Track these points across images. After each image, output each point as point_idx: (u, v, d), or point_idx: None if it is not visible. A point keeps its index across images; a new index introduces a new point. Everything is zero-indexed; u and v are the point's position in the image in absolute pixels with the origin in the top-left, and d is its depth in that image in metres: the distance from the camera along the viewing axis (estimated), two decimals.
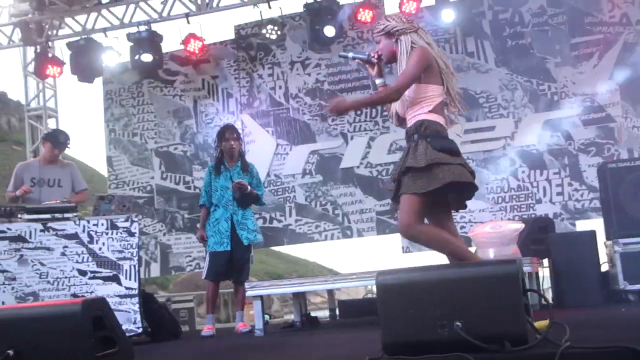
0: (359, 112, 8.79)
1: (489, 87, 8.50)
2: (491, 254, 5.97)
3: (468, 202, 4.18)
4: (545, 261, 6.73)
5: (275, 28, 8.95)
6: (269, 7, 8.96)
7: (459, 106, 4.17)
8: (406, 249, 8.55)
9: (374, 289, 9.94)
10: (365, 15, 8.48)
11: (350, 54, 4.46)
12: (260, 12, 9.00)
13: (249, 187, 6.46)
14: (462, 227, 8.14)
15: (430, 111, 4.04)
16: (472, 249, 6.04)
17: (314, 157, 8.97)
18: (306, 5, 8.66)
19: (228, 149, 6.58)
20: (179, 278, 29.50)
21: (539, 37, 8.39)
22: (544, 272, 6.74)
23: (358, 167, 8.83)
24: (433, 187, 3.84)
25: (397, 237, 8.66)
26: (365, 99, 4.28)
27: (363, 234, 8.80)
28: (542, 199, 8.18)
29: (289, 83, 9.16)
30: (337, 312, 8.14)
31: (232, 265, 6.48)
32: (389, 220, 8.65)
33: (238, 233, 6.45)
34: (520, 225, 6.17)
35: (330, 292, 8.38)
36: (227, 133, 6.63)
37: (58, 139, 6.99)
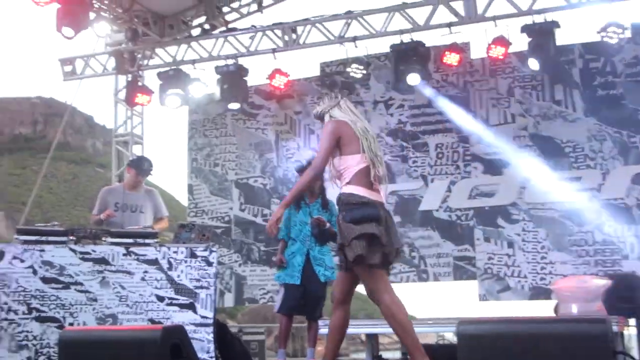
0: (440, 155, 8.74)
1: (575, 136, 8.34)
2: (574, 309, 5.77)
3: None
4: (632, 320, 6.46)
5: (360, 67, 8.99)
6: (355, 45, 9.02)
7: (379, 170, 4.15)
8: (483, 296, 8.40)
9: (447, 335, 9.74)
10: (451, 59, 8.46)
11: None
12: (346, 50, 9.08)
13: (328, 224, 6.43)
14: (542, 279, 7.96)
15: (347, 183, 4.12)
16: (554, 302, 5.89)
17: (393, 198, 8.92)
18: (392, 46, 8.70)
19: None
20: (247, 308, 29.70)
21: (631, 88, 8.20)
22: (630, 332, 6.47)
23: (437, 210, 8.75)
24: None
25: (474, 283, 8.52)
26: (290, 193, 4.23)
27: (439, 278, 8.68)
28: (630, 255, 7.91)
29: (371, 122, 9.12)
30: (409, 356, 7.98)
31: (305, 300, 6.44)
32: (467, 266, 8.53)
33: (315, 269, 6.38)
34: (606, 282, 5.96)
35: None
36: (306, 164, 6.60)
37: (142, 166, 7.14)
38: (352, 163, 4.11)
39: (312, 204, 6.53)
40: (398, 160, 8.99)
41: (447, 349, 7.45)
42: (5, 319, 5.86)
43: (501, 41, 8.27)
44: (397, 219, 8.78)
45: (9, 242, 6.29)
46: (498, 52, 8.26)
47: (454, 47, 8.47)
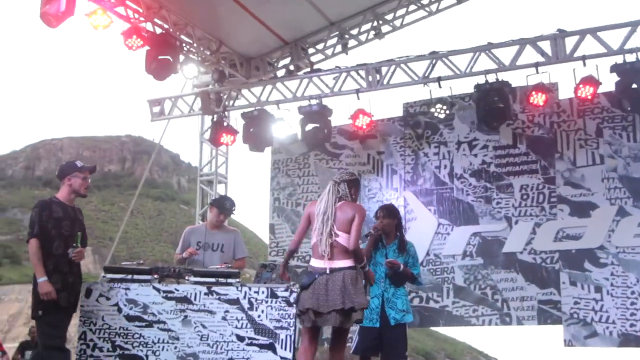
0: (525, 197, 8.56)
1: None
2: None
3: None
4: None
5: (444, 107, 8.92)
6: (439, 86, 8.95)
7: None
8: (569, 342, 8.11)
9: None
10: (538, 99, 8.29)
11: None
12: (430, 90, 9.01)
13: (402, 267, 6.34)
14: (632, 325, 7.81)
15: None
16: None
17: (476, 239, 8.77)
18: (477, 86, 8.60)
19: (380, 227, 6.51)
20: (325, 347, 29.50)
21: None
22: None
23: (521, 252, 8.52)
24: None
25: (559, 328, 8.24)
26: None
27: (523, 322, 8.43)
28: None
29: (455, 163, 9.07)
30: None
31: (381, 342, 6.36)
32: (552, 310, 8.26)
33: (386, 311, 6.31)
34: None
35: None
36: (379, 212, 6.58)
37: (224, 205, 7.26)
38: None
39: (389, 245, 6.48)
40: (482, 201, 8.83)
41: None
42: (91, 356, 5.99)
43: (590, 81, 8.05)
44: (479, 260, 8.66)
45: (95, 278, 6.47)
46: (587, 92, 8.05)
47: (540, 87, 8.31)
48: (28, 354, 11.41)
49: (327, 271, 5.29)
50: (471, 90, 8.75)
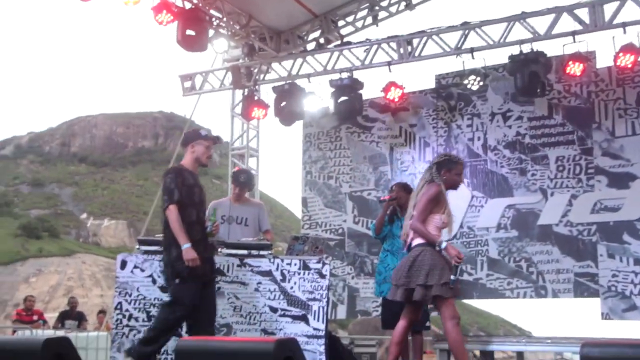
0: (561, 168, 8.44)
1: None
2: None
3: None
4: None
5: (478, 79, 8.78)
6: (472, 57, 8.80)
7: None
8: (606, 315, 8.01)
9: (566, 355, 9.32)
10: (575, 68, 8.12)
11: None
12: (463, 62, 8.86)
13: None
14: None
15: None
16: None
17: (510, 212, 8.67)
18: (511, 57, 8.44)
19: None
20: (358, 319, 29.70)
21: None
22: None
23: (557, 224, 8.41)
24: None
25: (596, 301, 8.14)
26: None
27: (559, 295, 8.34)
28: None
29: (488, 135, 8.96)
30: None
31: None
32: (588, 282, 8.16)
33: None
34: None
35: (520, 354, 7.99)
36: (393, 186, 6.81)
37: (239, 179, 7.25)
38: None
39: (404, 216, 6.51)
40: (516, 173, 8.71)
41: None
42: (127, 326, 6.07)
43: (630, 49, 7.84)
44: (514, 233, 8.57)
45: (131, 251, 6.52)
46: (627, 60, 7.84)
47: (577, 57, 8.13)
48: (68, 323, 11.61)
49: (405, 250, 5.52)
50: (505, 61, 8.59)
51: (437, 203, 5.29)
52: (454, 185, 5.53)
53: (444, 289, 5.13)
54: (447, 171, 5.43)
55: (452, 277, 5.15)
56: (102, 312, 13.94)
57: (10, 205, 57.92)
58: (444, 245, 5.21)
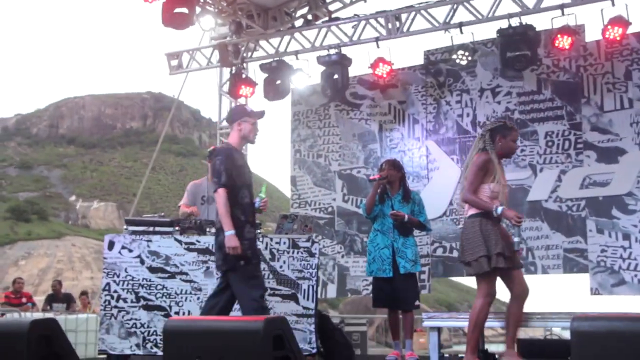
0: (550, 144, 8.41)
1: None
2: None
3: None
4: None
5: (466, 54, 8.72)
6: (461, 32, 8.75)
7: None
8: (595, 290, 8.02)
9: (555, 330, 9.31)
10: (564, 42, 8.08)
11: None
12: (452, 37, 8.80)
13: (406, 217, 6.40)
14: None
15: None
16: None
17: None
18: (499, 31, 8.39)
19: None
20: (349, 298, 29.84)
21: None
22: None
23: (546, 200, 8.40)
24: None
25: (586, 277, 8.16)
26: None
27: (548, 271, 8.34)
28: None
29: (478, 111, 8.91)
30: (516, 349, 7.73)
31: (396, 292, 6.40)
32: (578, 258, 8.16)
33: (397, 261, 6.39)
34: None
35: None
36: (383, 164, 6.67)
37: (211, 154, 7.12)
38: None
39: (394, 196, 6.55)
40: None
41: (556, 344, 7.16)
42: (115, 307, 6.04)
43: (619, 21, 7.81)
44: None
45: (119, 233, 6.46)
46: (615, 33, 7.81)
47: (566, 30, 8.08)
48: (55, 306, 11.57)
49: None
50: (494, 35, 8.54)
51: (486, 172, 5.06)
52: (509, 153, 5.29)
53: (483, 263, 4.91)
54: (502, 137, 5.14)
55: (515, 239, 5.00)
56: (84, 294, 13.90)
57: None
58: (500, 210, 4.96)
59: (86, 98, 73.19)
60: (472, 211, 5.07)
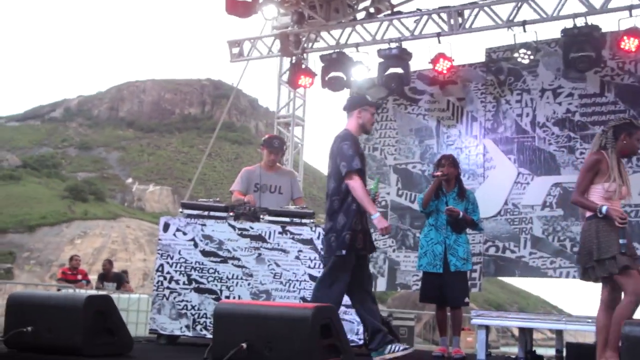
0: None
1: None
2: None
3: None
4: None
5: (529, 52, 8.58)
6: (524, 30, 8.61)
7: None
8: None
9: None
10: (630, 44, 7.88)
11: None
12: (514, 35, 8.68)
13: (461, 214, 6.42)
14: None
15: None
16: None
17: (557, 190, 8.50)
18: (564, 31, 8.24)
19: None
20: (398, 293, 29.72)
21: None
22: None
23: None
24: None
25: None
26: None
27: None
28: None
29: (538, 111, 8.77)
30: (565, 353, 7.62)
31: (445, 289, 6.42)
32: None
33: (448, 257, 6.42)
34: None
35: (560, 332, 7.89)
36: (443, 160, 6.65)
37: (273, 144, 7.19)
38: None
39: (449, 192, 6.59)
40: (564, 151, 8.54)
41: None
42: (168, 288, 6.16)
43: None
44: (559, 212, 8.42)
45: (174, 216, 6.58)
46: None
47: (633, 32, 7.88)
48: (107, 285, 11.84)
49: None
50: (558, 35, 8.39)
51: (596, 172, 4.94)
52: (632, 152, 5.12)
53: (611, 264, 4.75)
54: (627, 135, 4.99)
55: (620, 241, 4.74)
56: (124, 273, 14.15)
57: (58, 167, 59.09)
58: (604, 209, 4.81)
59: (147, 82, 74.40)
60: (588, 213, 4.98)
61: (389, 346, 4.98)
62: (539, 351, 7.41)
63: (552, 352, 7.98)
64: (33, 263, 37.90)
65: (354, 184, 5.00)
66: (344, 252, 4.98)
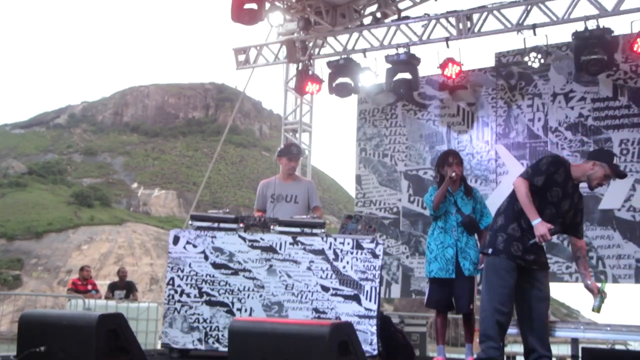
0: (624, 152, 8.14)
1: None
2: None
3: None
4: None
5: (539, 56, 8.48)
6: (534, 34, 8.52)
7: None
8: None
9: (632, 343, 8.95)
10: None
11: None
12: (524, 39, 8.58)
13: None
14: None
15: None
16: None
17: None
18: (575, 34, 8.13)
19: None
20: (413, 297, 29.54)
21: None
22: None
23: (619, 209, 8.14)
24: None
25: None
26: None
27: (619, 280, 8.09)
28: None
29: (550, 115, 8.68)
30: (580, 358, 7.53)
31: (455, 294, 6.25)
32: None
33: (459, 262, 6.21)
34: None
35: (575, 340, 7.79)
36: (452, 158, 6.36)
37: (291, 152, 7.14)
38: None
39: (455, 192, 6.37)
40: (577, 155, 8.43)
41: (621, 355, 6.91)
42: (179, 301, 6.07)
43: None
44: None
45: (180, 221, 6.50)
46: None
47: None
48: (117, 293, 11.79)
49: None
50: (569, 38, 8.29)
51: None
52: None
53: None
54: None
55: None
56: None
57: (64, 174, 59.19)
58: None
59: (150, 87, 74.56)
60: None
61: None
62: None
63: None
64: (41, 270, 37.98)
65: (521, 188, 5.18)
66: (490, 250, 5.33)
